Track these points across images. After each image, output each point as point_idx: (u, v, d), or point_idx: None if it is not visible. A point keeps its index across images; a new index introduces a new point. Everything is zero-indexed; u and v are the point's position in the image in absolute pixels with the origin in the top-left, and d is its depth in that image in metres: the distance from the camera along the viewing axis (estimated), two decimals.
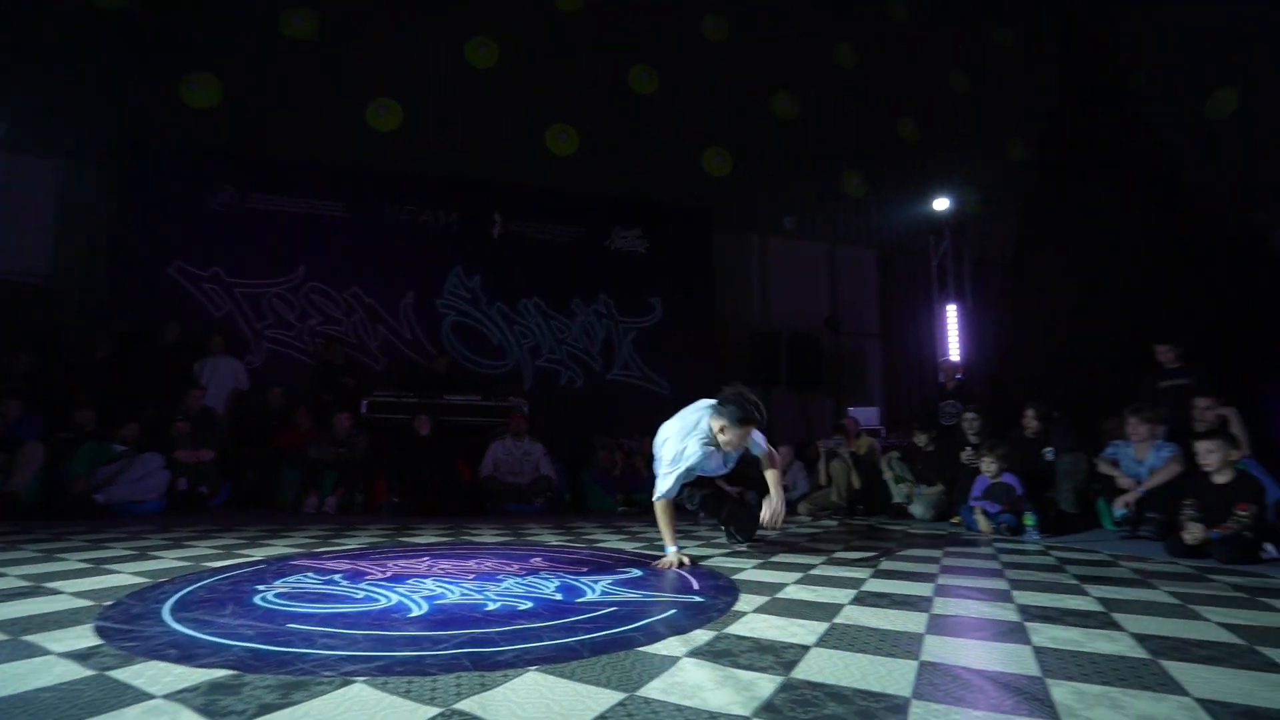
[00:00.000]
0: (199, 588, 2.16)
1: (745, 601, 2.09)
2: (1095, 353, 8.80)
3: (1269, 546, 3.02)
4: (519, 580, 2.39)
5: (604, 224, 8.60)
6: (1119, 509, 3.89)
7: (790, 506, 5.79)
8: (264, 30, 7.85)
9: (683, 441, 2.90)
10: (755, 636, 1.67)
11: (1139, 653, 1.55)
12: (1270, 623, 1.86)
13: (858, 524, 4.94)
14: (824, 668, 1.42)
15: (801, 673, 1.39)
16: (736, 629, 1.75)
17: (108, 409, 5.24)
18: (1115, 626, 1.79)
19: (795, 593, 2.25)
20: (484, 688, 1.27)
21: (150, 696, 1.19)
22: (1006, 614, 1.94)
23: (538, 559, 2.94)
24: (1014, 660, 1.48)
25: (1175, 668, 1.43)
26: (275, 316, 7.24)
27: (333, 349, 7.01)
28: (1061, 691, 1.28)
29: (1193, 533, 3.05)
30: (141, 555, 2.82)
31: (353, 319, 7.49)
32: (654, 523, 4.72)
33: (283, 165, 7.52)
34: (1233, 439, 3.26)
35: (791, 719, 1.14)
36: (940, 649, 1.57)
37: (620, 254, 8.62)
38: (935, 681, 1.34)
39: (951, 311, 8.62)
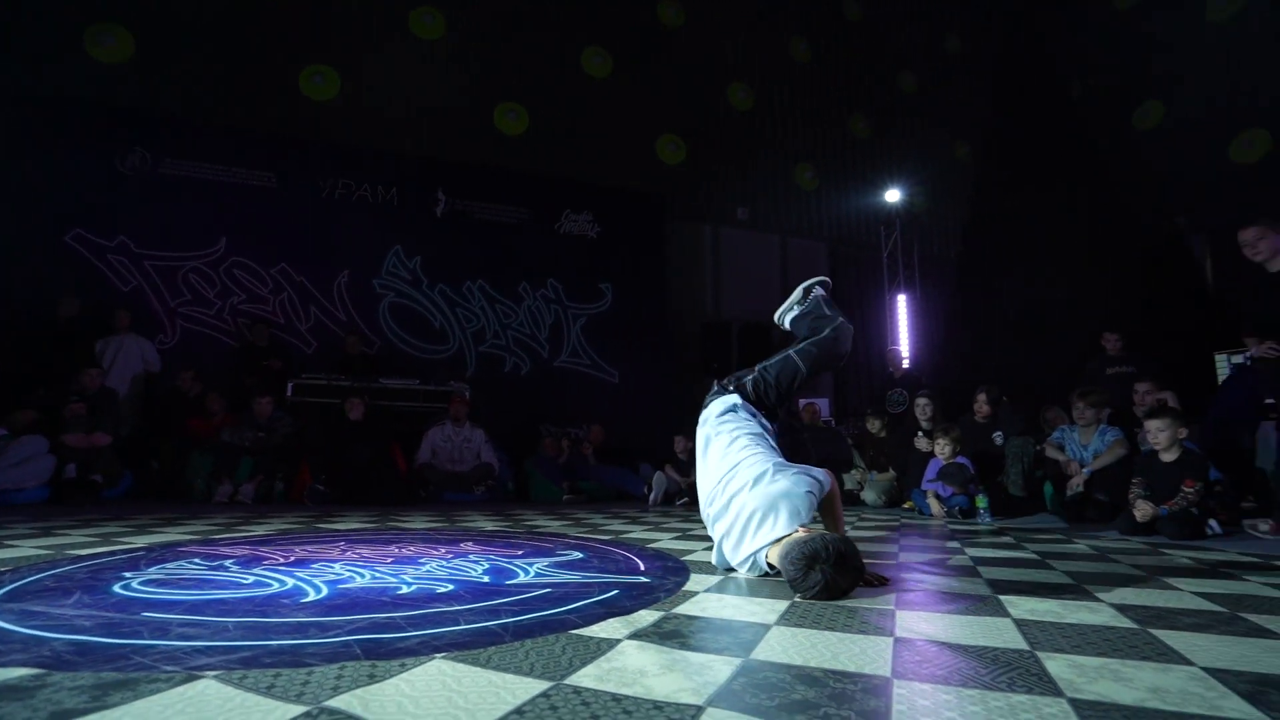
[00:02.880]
0: (47, 576, 1.80)
1: (696, 581, 1.88)
2: (1036, 344, 9.06)
3: (1213, 523, 3.02)
4: (443, 563, 2.12)
5: (554, 207, 8.29)
6: (1071, 489, 3.88)
7: None
8: None
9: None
10: (709, 616, 1.47)
11: (1124, 622, 1.41)
12: (1243, 590, 1.77)
13: None
14: (789, 647, 1.22)
15: (763, 653, 1.18)
16: (687, 609, 1.54)
17: None
18: (1091, 597, 1.66)
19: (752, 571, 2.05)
20: (372, 679, 1.01)
21: None
22: (977, 588, 1.79)
23: (469, 543, 2.66)
24: (996, 633, 1.31)
25: (1168, 636, 1.29)
26: (192, 293, 6.65)
27: (256, 330, 6.49)
28: (1056, 665, 1.11)
29: (1142, 510, 3.02)
30: None
31: (280, 298, 6.95)
32: (600, 511, 4.50)
33: (203, 129, 6.91)
34: (1180, 416, 3.26)
35: (753, 705, 0.93)
36: (915, 623, 1.40)
37: (570, 238, 8.34)
38: (916, 658, 1.15)
39: (902, 302, 8.69)
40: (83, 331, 5.82)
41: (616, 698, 0.96)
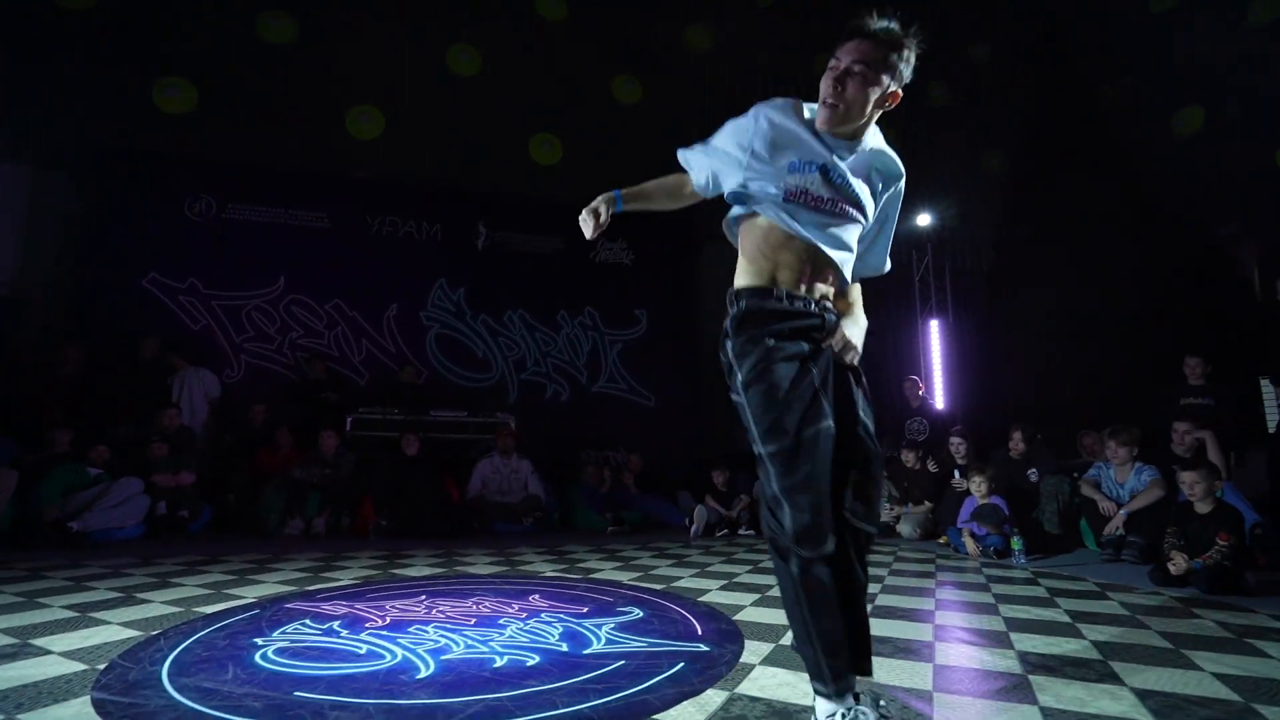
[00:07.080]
0: (194, 643, 2.10)
1: (751, 651, 2.09)
2: (1077, 364, 9.00)
3: (1249, 576, 3.12)
4: (522, 626, 2.37)
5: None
6: (1108, 532, 4.01)
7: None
8: (241, 34, 7.66)
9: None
10: (768, 698, 1.68)
11: (1143, 714, 1.58)
12: (1261, 672, 1.92)
13: None
14: None
15: None
16: (747, 688, 1.75)
17: (79, 429, 5.06)
18: (1116, 679, 1.83)
19: None
20: None
21: None
22: (1009, 664, 1.97)
23: (536, 595, 2.91)
24: None
25: None
26: (255, 330, 7.08)
27: (314, 363, 6.88)
28: None
29: (1177, 563, 3.14)
30: (127, 598, 2.74)
31: (335, 332, 7.35)
32: (646, 546, 4.72)
33: (261, 174, 7.36)
34: (1214, 469, 3.36)
35: None
36: (954, 712, 1.59)
37: (606, 266, 8.60)
38: None
39: (934, 328, 8.75)
40: (159, 371, 6.26)
41: None
